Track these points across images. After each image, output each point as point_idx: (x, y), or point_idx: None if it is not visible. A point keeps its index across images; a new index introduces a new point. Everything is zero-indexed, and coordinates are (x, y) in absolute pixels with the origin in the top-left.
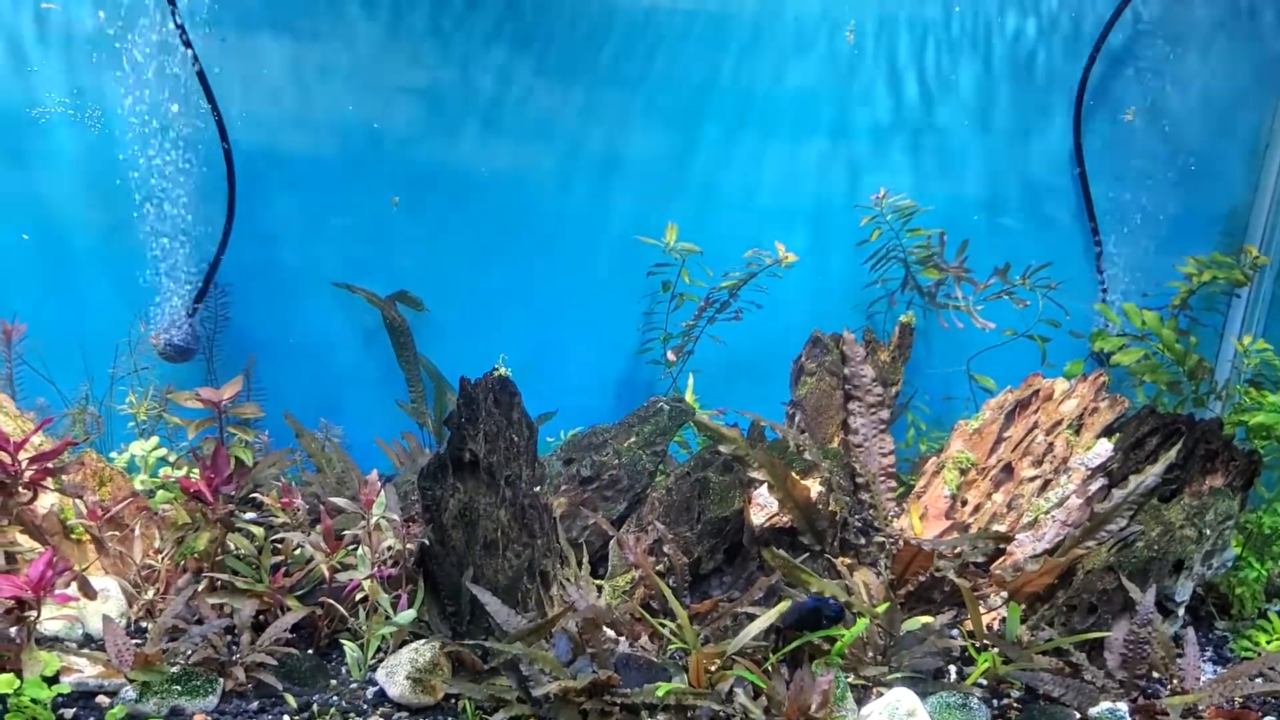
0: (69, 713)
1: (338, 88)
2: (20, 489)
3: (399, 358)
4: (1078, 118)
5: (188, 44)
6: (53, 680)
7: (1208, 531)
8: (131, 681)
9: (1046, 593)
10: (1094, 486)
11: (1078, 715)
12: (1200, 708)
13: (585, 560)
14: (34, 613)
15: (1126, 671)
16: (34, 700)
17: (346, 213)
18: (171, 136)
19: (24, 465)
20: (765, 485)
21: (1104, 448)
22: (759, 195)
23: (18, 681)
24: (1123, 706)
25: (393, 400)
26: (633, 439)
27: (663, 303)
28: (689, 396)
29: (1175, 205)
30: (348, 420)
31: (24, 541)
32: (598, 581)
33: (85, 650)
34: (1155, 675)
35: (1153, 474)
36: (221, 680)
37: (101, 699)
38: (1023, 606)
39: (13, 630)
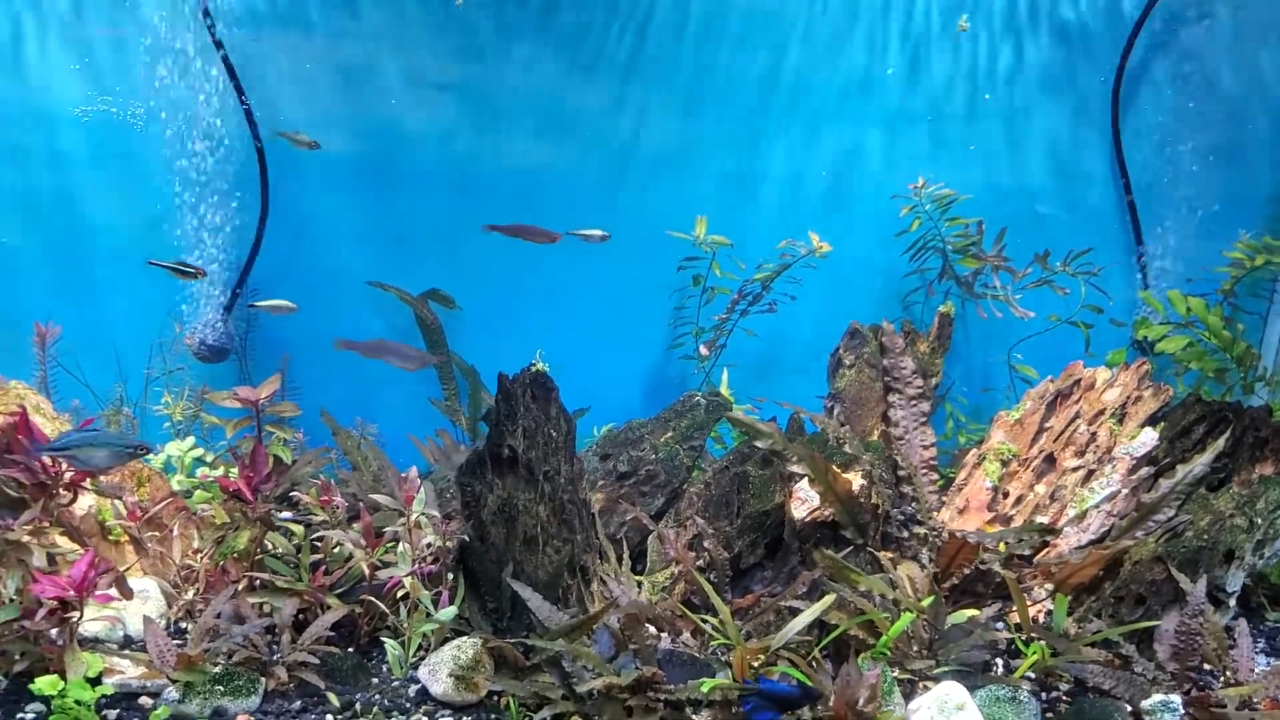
0: (112, 714)
1: (370, 86)
2: (60, 490)
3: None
4: (1115, 101)
5: (219, 43)
6: (95, 681)
7: (1259, 520)
8: (174, 682)
9: (1093, 584)
10: (1139, 476)
11: (1129, 708)
12: (1255, 700)
13: (625, 556)
14: (76, 614)
15: (1178, 663)
16: (78, 702)
17: (379, 211)
18: (205, 136)
19: (64, 466)
20: (806, 479)
21: (1149, 437)
22: (792, 187)
23: (61, 683)
24: (1176, 699)
25: (425, 398)
26: (669, 434)
27: (694, 297)
28: (724, 390)
29: (1217, 189)
30: (381, 418)
31: (63, 543)
32: (637, 577)
33: (126, 651)
34: (1207, 667)
35: (1201, 463)
36: (264, 680)
37: (144, 700)
38: (1069, 598)
39: (54, 631)
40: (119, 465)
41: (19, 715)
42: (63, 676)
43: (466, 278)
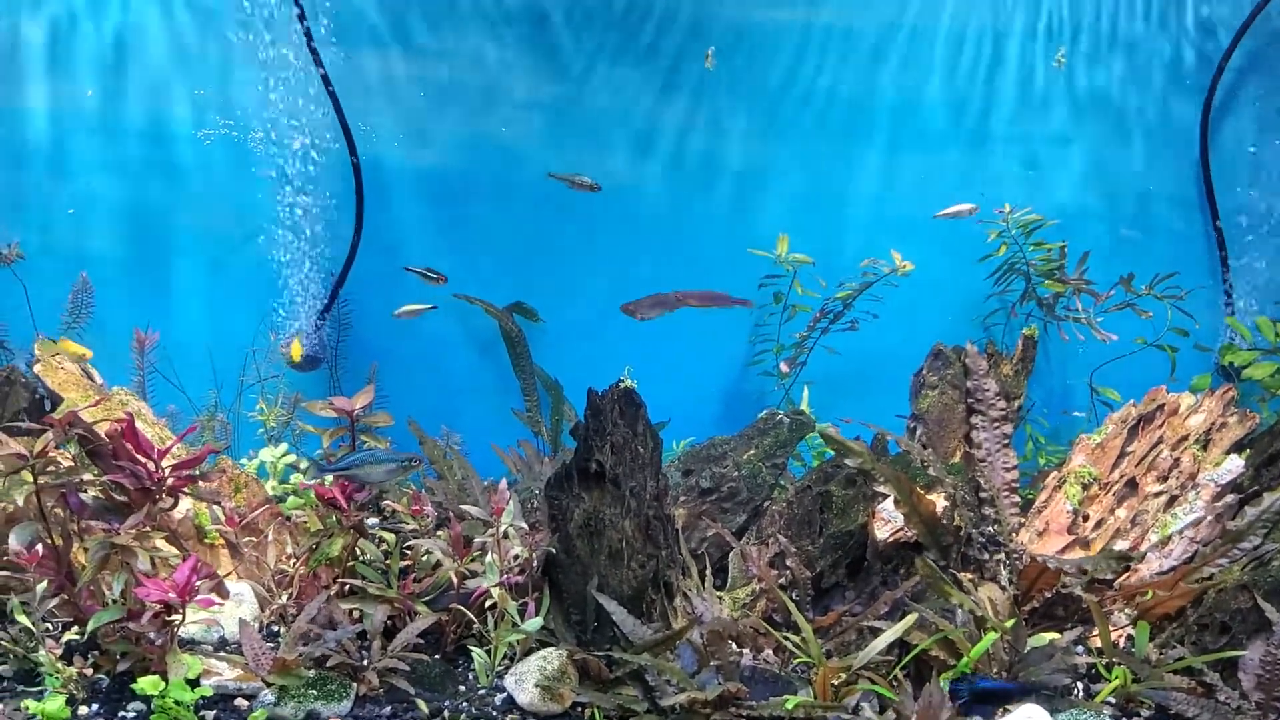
0: (210, 715)
1: (460, 103)
2: (163, 495)
3: (515, 367)
4: (1205, 126)
5: (318, 61)
6: (194, 683)
7: None
8: (269, 685)
9: (1176, 611)
10: (1224, 503)
11: None
12: None
13: (707, 571)
14: (179, 616)
15: (1263, 693)
16: (177, 702)
17: (466, 225)
18: (303, 151)
19: (167, 472)
20: (889, 499)
21: (1235, 464)
22: (874, 207)
23: (163, 684)
24: None
25: (508, 409)
26: (752, 451)
27: (774, 314)
28: (804, 408)
29: None
30: (464, 427)
31: (161, 546)
32: (718, 593)
33: (222, 653)
34: None
35: None
36: (355, 685)
37: (240, 702)
38: (1150, 624)
39: (153, 633)
40: (394, 481)
41: (120, 714)
42: (164, 677)
43: (550, 292)
